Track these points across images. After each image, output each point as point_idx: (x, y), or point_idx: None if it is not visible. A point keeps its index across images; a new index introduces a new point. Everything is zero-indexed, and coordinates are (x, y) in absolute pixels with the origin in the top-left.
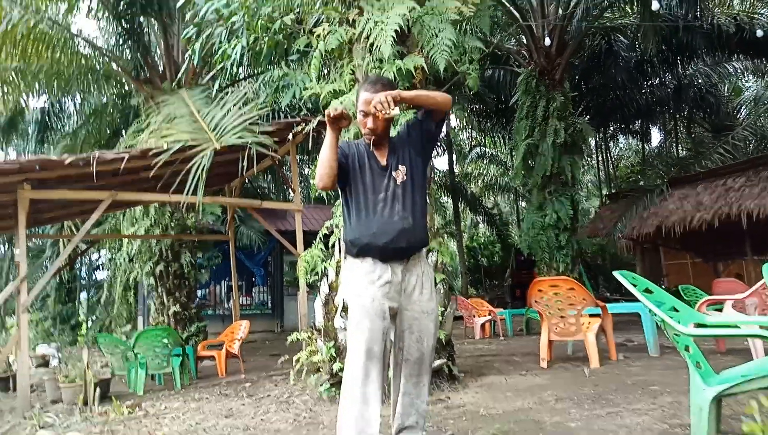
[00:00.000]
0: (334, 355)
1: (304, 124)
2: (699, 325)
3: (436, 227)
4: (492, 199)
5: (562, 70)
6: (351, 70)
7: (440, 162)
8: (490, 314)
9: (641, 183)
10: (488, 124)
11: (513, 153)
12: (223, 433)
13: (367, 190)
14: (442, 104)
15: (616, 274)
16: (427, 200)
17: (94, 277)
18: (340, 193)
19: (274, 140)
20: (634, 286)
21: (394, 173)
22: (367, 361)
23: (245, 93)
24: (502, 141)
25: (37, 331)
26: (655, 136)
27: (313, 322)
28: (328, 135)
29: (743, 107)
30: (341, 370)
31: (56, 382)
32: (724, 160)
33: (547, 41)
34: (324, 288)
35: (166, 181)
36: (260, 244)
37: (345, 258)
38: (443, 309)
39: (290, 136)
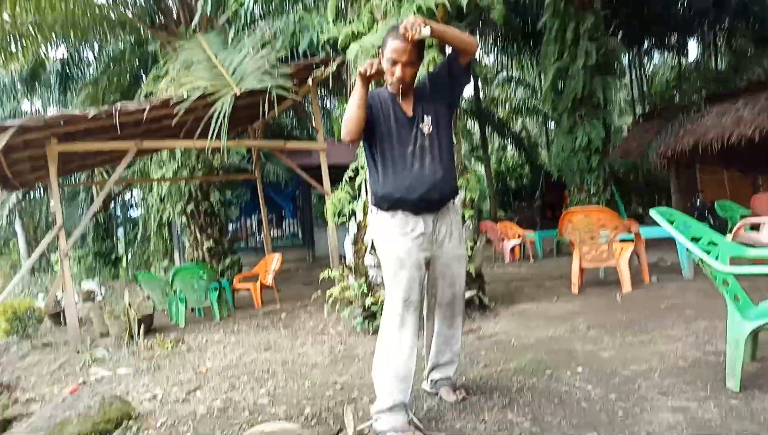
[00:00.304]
0: (365, 290)
1: (323, 66)
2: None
3: (462, 163)
4: (519, 122)
5: None
6: (369, 10)
7: (466, 88)
8: (519, 237)
9: (677, 100)
10: (515, 47)
11: (541, 76)
12: (263, 367)
13: (394, 142)
14: (470, 44)
15: (652, 212)
16: (454, 141)
17: (129, 215)
18: (363, 143)
19: (294, 81)
20: (671, 222)
21: (421, 124)
22: (404, 310)
23: (262, 35)
24: (529, 64)
25: (81, 267)
26: (693, 49)
27: (343, 256)
28: (358, 88)
29: None
30: (373, 304)
31: (102, 317)
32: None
33: None
34: (353, 228)
35: (190, 127)
36: (287, 180)
37: (374, 211)
38: (472, 244)
39: (310, 79)
